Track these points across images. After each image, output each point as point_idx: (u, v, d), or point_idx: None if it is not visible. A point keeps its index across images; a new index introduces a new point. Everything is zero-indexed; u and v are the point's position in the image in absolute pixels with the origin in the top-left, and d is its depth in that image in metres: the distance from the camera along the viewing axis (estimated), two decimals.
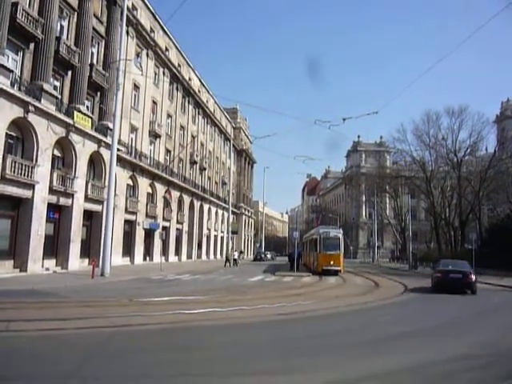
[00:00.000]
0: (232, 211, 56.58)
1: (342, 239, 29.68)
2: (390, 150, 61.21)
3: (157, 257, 35.41)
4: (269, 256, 67.01)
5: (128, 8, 28.70)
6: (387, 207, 77.27)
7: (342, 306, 13.02)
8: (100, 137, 26.48)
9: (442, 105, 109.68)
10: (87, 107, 26.41)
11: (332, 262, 27.89)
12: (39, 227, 21.38)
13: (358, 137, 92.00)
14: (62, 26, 24.34)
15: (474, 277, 17.96)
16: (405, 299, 16.28)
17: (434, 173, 48.60)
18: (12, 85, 19.54)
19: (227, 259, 39.41)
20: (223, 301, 13.69)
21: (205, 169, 55.52)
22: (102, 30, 28.28)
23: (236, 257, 42.24)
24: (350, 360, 6.85)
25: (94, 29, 26.81)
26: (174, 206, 43.03)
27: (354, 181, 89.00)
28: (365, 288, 19.84)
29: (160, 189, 39.43)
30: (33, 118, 20.75)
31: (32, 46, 21.47)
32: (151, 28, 38.01)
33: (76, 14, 25.19)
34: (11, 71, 19.58)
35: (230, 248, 47.62)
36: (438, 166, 48.74)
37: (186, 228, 47.76)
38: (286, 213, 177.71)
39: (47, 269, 22.45)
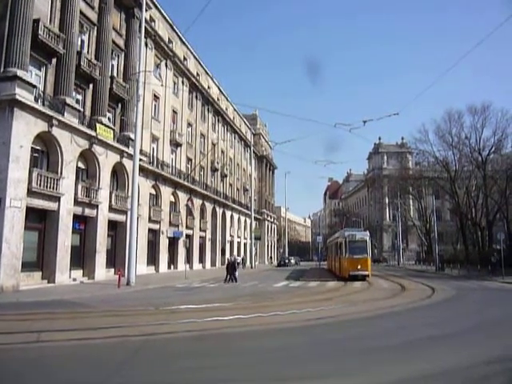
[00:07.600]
0: (254, 217, 56.54)
1: (369, 242, 28.50)
2: (412, 150, 60.12)
3: (181, 265, 35.53)
4: (293, 261, 66.71)
5: (146, 20, 29.10)
6: (411, 209, 76.22)
7: (372, 310, 12.82)
8: (122, 148, 26.83)
9: (465, 104, 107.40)
10: (109, 119, 26.76)
11: (359, 267, 26.52)
12: (66, 238, 21.70)
13: (379, 138, 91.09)
14: (82, 41, 24.80)
15: None
16: (433, 302, 15.94)
17: (458, 173, 47.63)
18: (36, 100, 19.91)
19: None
20: (251, 307, 13.65)
21: (226, 176, 55.70)
22: (121, 42, 28.77)
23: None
24: (386, 363, 6.80)
25: (113, 42, 27.28)
26: (197, 213, 43.25)
27: (376, 183, 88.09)
28: (391, 291, 19.48)
29: (182, 197, 39.68)
30: (57, 132, 21.11)
31: (54, 61, 21.91)
32: (169, 39, 38.49)
33: (96, 28, 25.67)
34: (35, 86, 19.95)
35: (241, 253, 53.78)
36: (462, 165, 47.66)
37: (209, 235, 47.97)
38: (309, 217, 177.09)
39: (74, 279, 22.76)
